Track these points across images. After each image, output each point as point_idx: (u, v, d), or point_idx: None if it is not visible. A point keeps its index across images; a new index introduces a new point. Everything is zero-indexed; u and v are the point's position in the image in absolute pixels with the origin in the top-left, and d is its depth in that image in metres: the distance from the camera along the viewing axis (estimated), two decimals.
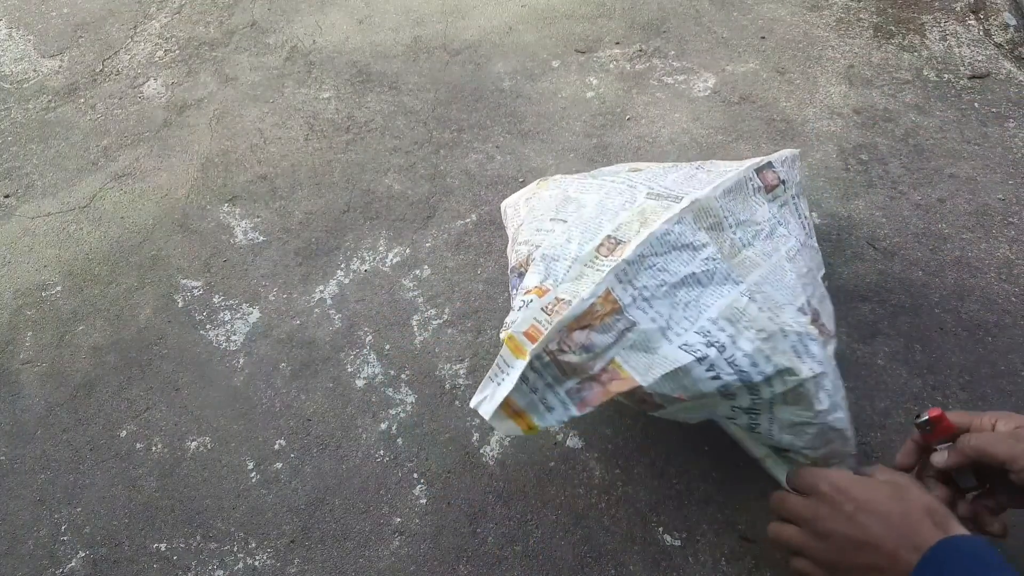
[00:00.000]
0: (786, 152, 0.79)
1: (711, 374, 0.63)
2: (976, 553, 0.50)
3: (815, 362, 0.64)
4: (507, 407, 0.65)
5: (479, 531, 0.76)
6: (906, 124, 1.07)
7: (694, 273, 0.66)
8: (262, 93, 1.23)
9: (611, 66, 1.20)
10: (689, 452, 0.79)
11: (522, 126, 1.13)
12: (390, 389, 0.87)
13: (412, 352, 0.90)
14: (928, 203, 0.98)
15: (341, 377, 0.89)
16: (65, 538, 0.80)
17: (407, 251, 1.00)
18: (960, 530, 0.52)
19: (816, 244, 0.77)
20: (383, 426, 0.84)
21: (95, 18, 1.40)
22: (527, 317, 0.64)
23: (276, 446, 0.84)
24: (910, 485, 0.57)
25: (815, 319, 0.67)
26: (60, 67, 1.32)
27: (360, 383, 0.88)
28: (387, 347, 0.90)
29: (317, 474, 0.81)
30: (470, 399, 0.85)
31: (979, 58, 1.14)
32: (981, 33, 1.18)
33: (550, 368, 0.64)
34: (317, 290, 0.97)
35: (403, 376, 0.88)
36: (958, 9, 1.22)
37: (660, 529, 0.75)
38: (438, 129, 1.14)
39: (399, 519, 0.78)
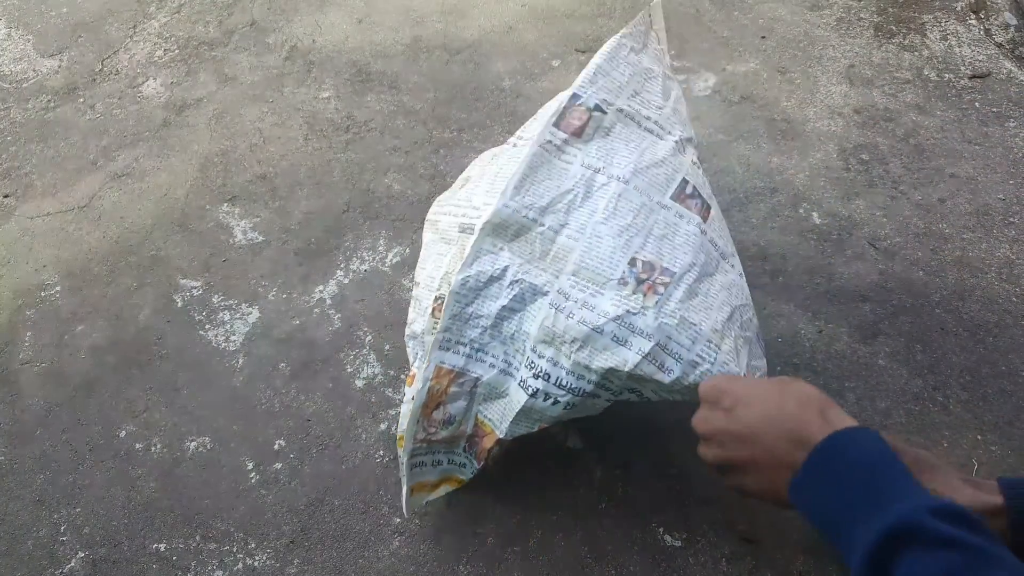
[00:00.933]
0: (596, 59, 0.72)
1: (549, 401, 0.65)
2: (868, 447, 0.47)
3: (642, 338, 0.63)
4: (423, 488, 0.72)
5: (479, 531, 0.76)
6: (907, 124, 1.07)
7: (504, 305, 0.66)
8: (261, 93, 1.23)
9: None
10: (689, 453, 0.79)
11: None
12: (390, 389, 0.87)
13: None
14: (929, 203, 0.98)
15: (341, 377, 0.88)
16: (64, 538, 0.80)
17: (407, 251, 0.99)
18: (849, 421, 0.50)
19: (672, 140, 0.72)
20: (383, 426, 0.84)
21: (94, 18, 1.40)
22: (405, 413, 0.68)
23: (276, 446, 0.84)
24: (795, 380, 0.54)
25: (644, 278, 0.64)
26: (59, 67, 1.32)
27: (360, 383, 0.88)
28: (387, 347, 0.90)
29: (317, 474, 0.81)
30: None
31: (980, 58, 1.14)
32: (982, 33, 1.18)
33: (435, 446, 0.69)
34: (317, 290, 0.97)
35: (403, 376, 0.88)
36: (959, 9, 1.22)
37: (660, 530, 0.75)
38: (438, 129, 1.14)
39: (399, 519, 0.77)
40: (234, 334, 0.94)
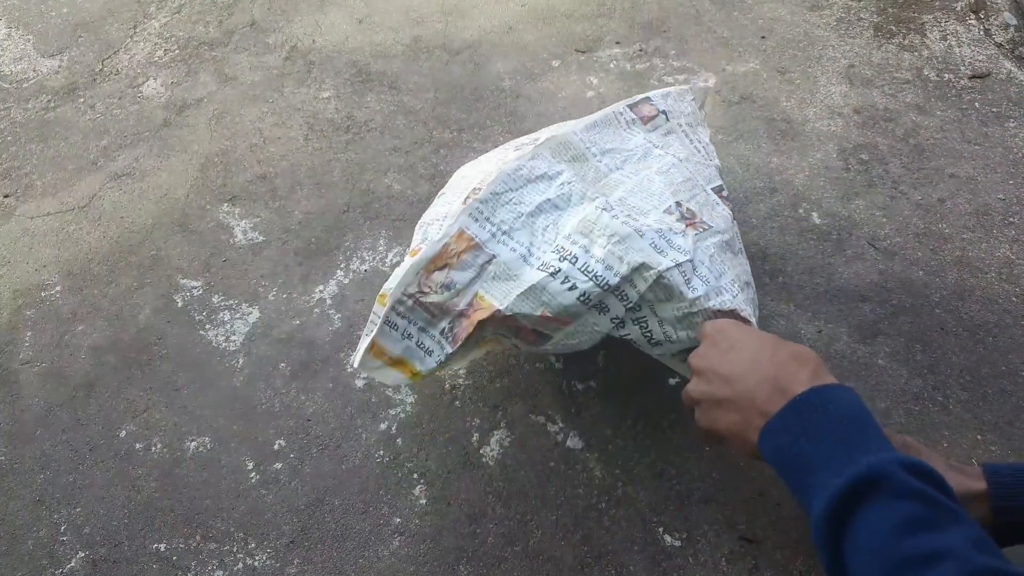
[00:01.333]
0: (671, 88, 0.84)
1: (567, 285, 0.65)
2: (847, 404, 0.48)
3: (678, 252, 0.66)
4: (381, 354, 0.67)
5: (479, 531, 0.76)
6: (906, 124, 1.07)
7: (549, 199, 0.69)
8: (262, 93, 1.23)
9: (611, 66, 1.20)
10: (689, 452, 0.79)
11: (522, 126, 1.13)
12: (390, 389, 0.87)
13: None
14: (929, 203, 0.98)
15: (341, 377, 0.88)
16: (64, 538, 0.80)
17: (407, 251, 0.99)
18: (827, 378, 0.50)
19: (714, 163, 0.80)
20: (383, 426, 0.84)
21: (95, 18, 1.40)
22: (400, 271, 0.66)
23: (276, 446, 0.84)
24: (799, 345, 0.55)
25: (687, 217, 0.69)
26: (59, 67, 1.32)
27: (360, 383, 0.88)
28: None
29: (317, 474, 0.81)
30: (471, 399, 0.85)
31: (979, 58, 1.14)
32: (981, 33, 1.18)
33: (417, 312, 0.66)
34: (317, 290, 0.97)
35: None
36: (958, 9, 1.22)
37: (660, 529, 0.75)
38: (438, 129, 1.14)
39: (399, 519, 0.77)
40: (234, 334, 0.94)
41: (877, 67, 1.15)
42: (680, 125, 0.80)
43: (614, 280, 0.64)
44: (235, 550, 0.77)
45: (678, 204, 0.70)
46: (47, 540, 0.80)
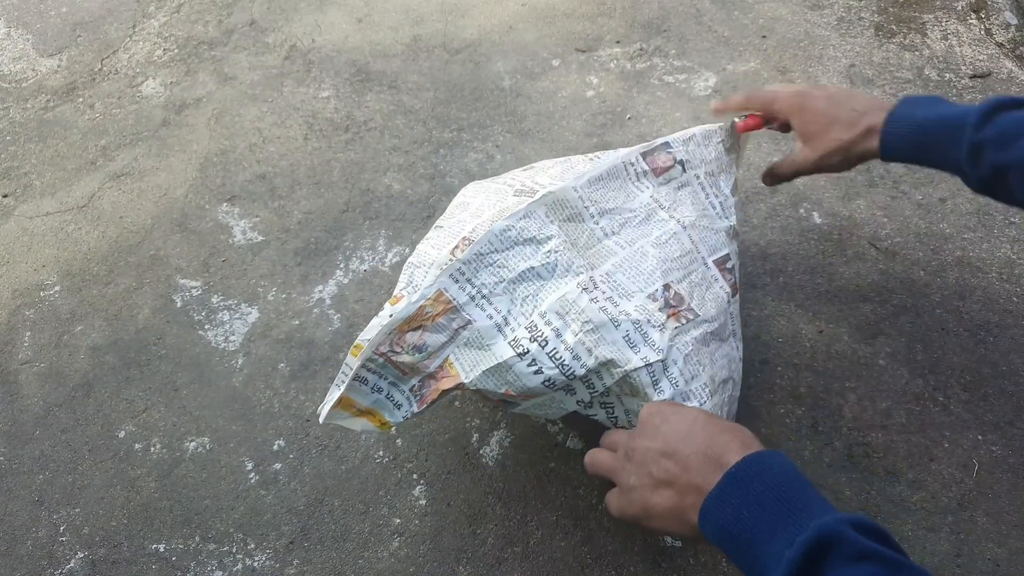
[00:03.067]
0: (695, 129, 0.77)
1: (533, 368, 0.64)
2: (779, 467, 0.47)
3: (651, 350, 0.63)
4: (350, 406, 0.67)
5: (479, 532, 0.76)
6: None
7: (534, 268, 0.66)
8: (261, 92, 1.23)
9: (612, 65, 1.20)
10: None
11: (522, 125, 1.13)
12: None
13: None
14: (930, 203, 0.97)
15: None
16: (64, 539, 0.80)
17: (407, 251, 0.99)
18: (755, 445, 0.50)
19: (728, 224, 0.75)
20: None
21: (94, 17, 1.40)
22: (374, 324, 0.65)
23: (275, 447, 0.84)
24: (731, 422, 0.55)
25: (672, 305, 0.66)
26: (59, 66, 1.32)
27: None
28: None
29: (316, 475, 0.81)
30: (471, 399, 0.85)
31: (980, 57, 1.14)
32: (982, 32, 1.18)
33: (388, 369, 0.66)
34: (316, 290, 0.97)
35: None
36: (959, 8, 1.22)
37: None
38: (438, 128, 1.14)
39: (399, 520, 0.77)
40: (233, 334, 0.94)
41: (878, 66, 1.14)
42: (698, 176, 0.75)
43: (580, 371, 0.63)
44: (234, 551, 0.77)
45: (666, 287, 0.67)
46: (46, 540, 0.80)
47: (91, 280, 1.01)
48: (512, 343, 0.64)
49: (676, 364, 0.64)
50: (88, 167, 1.15)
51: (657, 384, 0.63)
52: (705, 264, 0.71)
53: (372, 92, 1.21)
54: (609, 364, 0.63)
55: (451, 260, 0.65)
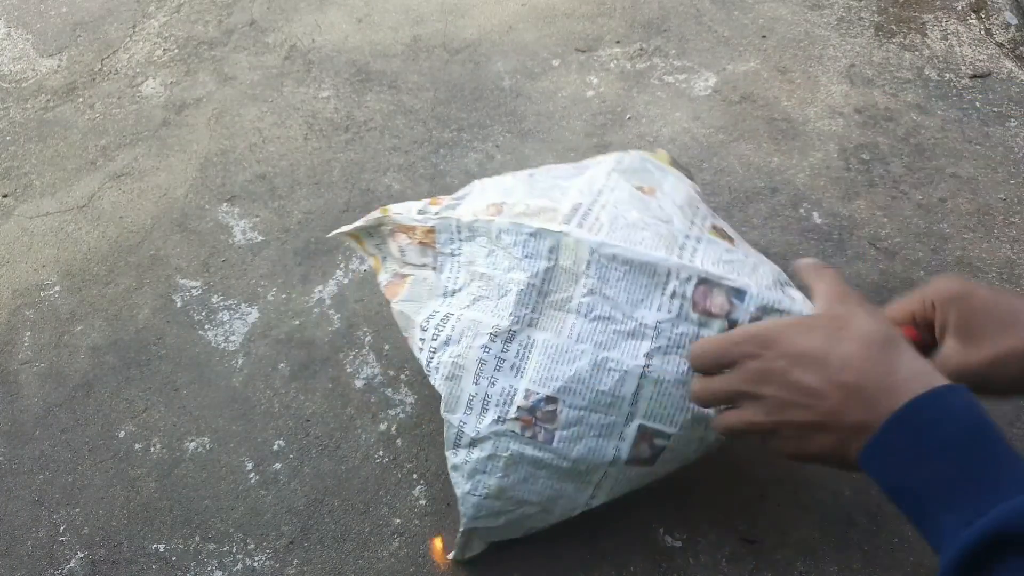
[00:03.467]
0: (793, 301, 0.61)
1: (417, 344, 0.70)
2: (960, 411, 0.38)
3: (471, 428, 0.65)
4: (360, 244, 0.77)
5: None
6: (907, 123, 1.06)
7: (493, 278, 0.66)
8: (261, 92, 1.23)
9: (612, 65, 1.20)
10: None
11: (522, 125, 1.13)
12: (389, 389, 0.87)
13: (412, 352, 0.89)
14: (929, 203, 0.97)
15: (340, 377, 0.88)
16: (64, 539, 0.79)
17: None
18: (927, 372, 0.41)
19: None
20: (382, 427, 0.84)
21: (94, 17, 1.40)
22: (404, 206, 0.73)
23: (275, 447, 0.84)
24: (853, 314, 0.45)
25: (538, 419, 0.62)
26: (59, 66, 1.32)
27: (359, 383, 0.88)
28: (386, 347, 0.90)
29: (316, 475, 0.81)
30: None
31: (980, 57, 1.14)
32: (982, 32, 1.18)
33: (386, 243, 0.75)
34: (316, 290, 0.97)
35: (402, 376, 0.88)
36: (959, 8, 1.22)
37: (661, 530, 0.74)
38: (438, 128, 1.14)
39: (399, 520, 0.77)
40: (233, 334, 0.94)
41: (878, 66, 1.15)
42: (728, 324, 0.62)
43: (431, 378, 0.68)
44: (234, 551, 0.77)
45: (549, 400, 0.62)
46: (46, 540, 0.80)
47: (91, 280, 1.01)
48: (430, 316, 0.68)
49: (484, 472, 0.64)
50: (88, 167, 1.15)
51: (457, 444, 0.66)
52: (625, 423, 0.61)
53: (372, 92, 1.20)
54: (446, 400, 0.65)
55: (468, 215, 0.68)
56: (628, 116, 1.12)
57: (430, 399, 0.85)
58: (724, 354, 0.48)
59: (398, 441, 0.83)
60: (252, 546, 0.77)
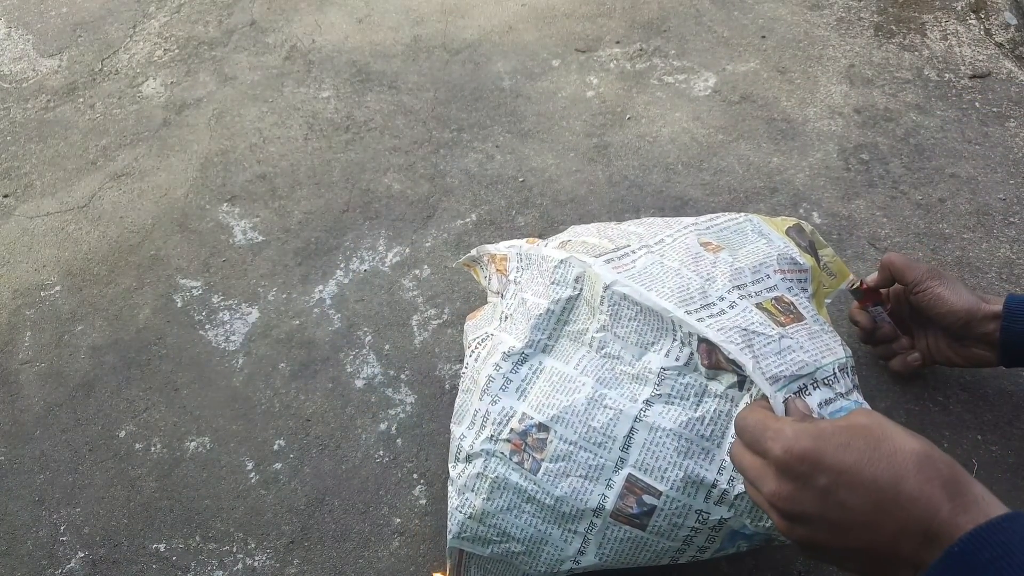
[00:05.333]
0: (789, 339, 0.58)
1: (473, 363, 0.72)
2: (1015, 546, 0.34)
3: (469, 441, 0.66)
4: (474, 270, 0.80)
5: None
6: (907, 124, 1.07)
7: (526, 300, 0.69)
8: (261, 92, 1.23)
9: (611, 65, 1.20)
10: None
11: (522, 125, 1.13)
12: (390, 389, 0.87)
13: (412, 352, 0.90)
14: (929, 203, 0.98)
15: (340, 377, 0.88)
16: (64, 538, 0.80)
17: (407, 251, 0.99)
18: (985, 499, 0.37)
19: (703, 475, 0.57)
20: (383, 426, 0.84)
21: (94, 17, 1.40)
22: (501, 245, 0.76)
23: (275, 446, 0.84)
24: (889, 430, 0.41)
25: (529, 445, 0.62)
26: (59, 66, 1.32)
27: (360, 383, 0.88)
28: (387, 347, 0.90)
29: (316, 474, 0.81)
30: None
31: (980, 57, 1.14)
32: (982, 32, 1.18)
33: (484, 267, 0.77)
34: (316, 290, 0.97)
35: (403, 376, 0.88)
36: (959, 8, 1.22)
37: None
38: (438, 128, 1.14)
39: (399, 520, 0.77)
40: (234, 334, 0.94)
41: (877, 67, 1.15)
42: (733, 402, 0.58)
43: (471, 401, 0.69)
44: (235, 550, 0.77)
45: (541, 427, 0.61)
46: (46, 540, 0.80)
47: (91, 280, 1.01)
48: (483, 337, 0.70)
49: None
50: (88, 167, 1.15)
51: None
52: (614, 469, 0.59)
53: (372, 92, 1.21)
54: (456, 412, 0.68)
55: (537, 246, 0.71)
56: (628, 116, 1.12)
57: (430, 399, 0.85)
58: (760, 445, 0.45)
59: (398, 441, 0.83)
60: (252, 546, 0.77)
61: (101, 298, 0.99)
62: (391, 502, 0.79)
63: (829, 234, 0.95)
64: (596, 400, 0.59)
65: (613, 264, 0.62)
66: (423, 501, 0.78)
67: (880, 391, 0.82)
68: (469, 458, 0.64)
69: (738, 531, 0.58)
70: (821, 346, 0.61)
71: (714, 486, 0.56)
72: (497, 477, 0.62)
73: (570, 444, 0.60)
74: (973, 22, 1.20)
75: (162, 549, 0.78)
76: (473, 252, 0.78)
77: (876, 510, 0.38)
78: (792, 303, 0.64)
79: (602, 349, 0.61)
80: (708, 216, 0.72)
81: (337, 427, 0.84)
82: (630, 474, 0.58)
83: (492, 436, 0.63)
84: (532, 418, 0.61)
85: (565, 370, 0.62)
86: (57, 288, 1.01)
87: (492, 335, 0.69)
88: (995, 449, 0.77)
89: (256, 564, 0.76)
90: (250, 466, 0.83)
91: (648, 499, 0.58)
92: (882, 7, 1.24)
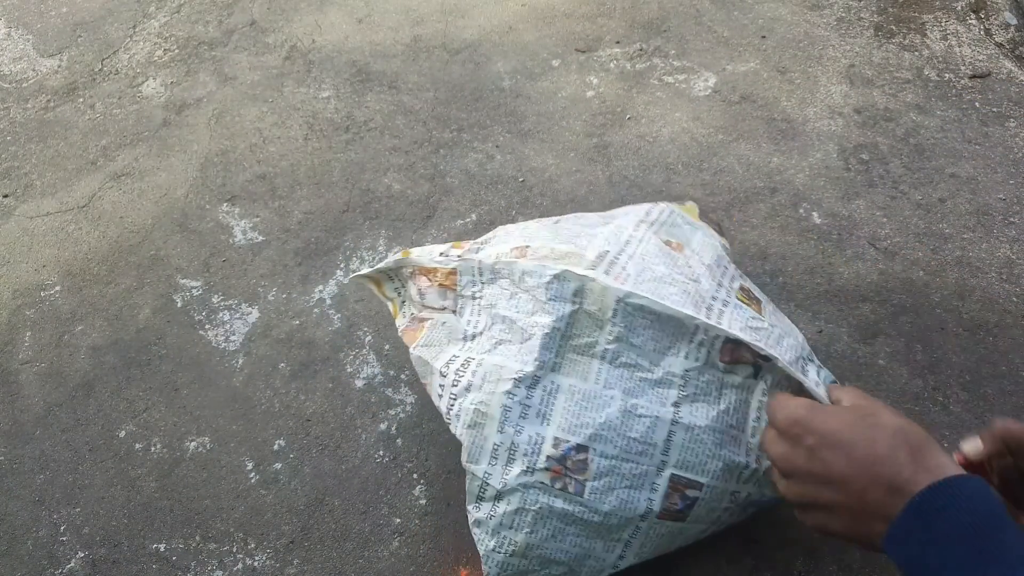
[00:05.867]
0: (792, 344, 0.63)
1: (437, 388, 0.68)
2: (972, 498, 0.41)
3: (497, 470, 0.63)
4: (377, 286, 0.75)
5: None
6: (907, 124, 1.07)
7: (515, 321, 0.64)
8: (261, 92, 1.23)
9: (611, 65, 1.20)
10: None
11: (522, 125, 1.13)
12: (389, 389, 0.87)
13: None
14: (929, 203, 0.98)
15: (340, 377, 0.88)
16: (64, 538, 0.80)
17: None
18: (947, 465, 0.44)
19: (739, 460, 0.61)
20: (383, 426, 0.84)
21: (94, 17, 1.40)
22: (424, 250, 0.72)
23: (275, 446, 0.84)
24: (879, 409, 0.49)
25: (569, 468, 0.61)
26: (59, 67, 1.32)
27: (359, 383, 0.88)
28: (387, 347, 0.90)
29: (316, 474, 0.81)
30: None
31: (980, 57, 1.14)
32: (982, 32, 1.18)
33: (405, 287, 0.73)
34: (316, 290, 0.97)
35: (403, 376, 0.88)
36: (959, 8, 1.22)
37: None
38: (438, 128, 1.14)
39: (399, 520, 0.77)
40: (234, 334, 0.94)
41: (877, 67, 1.15)
42: (764, 391, 0.62)
43: (449, 422, 0.67)
44: (235, 550, 0.77)
45: (579, 448, 0.61)
46: (47, 540, 0.80)
47: (91, 280, 1.01)
48: (449, 360, 0.66)
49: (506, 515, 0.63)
50: (88, 167, 1.15)
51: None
52: (657, 472, 0.60)
53: (372, 92, 1.21)
54: (469, 450, 0.63)
55: (490, 258, 0.67)
56: (628, 116, 1.12)
57: (430, 399, 0.85)
58: (771, 419, 0.52)
59: (398, 441, 0.83)
60: (252, 545, 0.77)
61: (101, 298, 0.99)
62: (391, 502, 0.79)
63: (829, 234, 0.95)
64: (629, 411, 0.60)
65: (612, 275, 0.62)
66: (423, 501, 0.78)
67: (879, 391, 0.82)
68: (500, 496, 0.62)
69: (755, 500, 0.63)
70: (788, 323, 0.67)
71: (745, 467, 0.60)
72: (540, 508, 0.60)
73: (611, 459, 0.60)
74: (973, 22, 1.20)
75: (162, 549, 0.78)
76: (389, 262, 0.72)
77: (851, 467, 0.46)
78: (749, 289, 0.68)
79: (616, 360, 0.61)
80: (631, 208, 0.74)
81: (337, 427, 0.84)
82: (673, 474, 0.60)
83: (527, 468, 0.60)
84: (568, 441, 0.60)
85: (586, 387, 0.61)
86: (57, 288, 1.01)
87: (472, 359, 0.65)
88: None
89: (256, 564, 0.76)
90: (250, 466, 0.83)
91: (691, 492, 0.60)
92: (882, 7, 1.24)
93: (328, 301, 0.95)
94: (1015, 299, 0.88)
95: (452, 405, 0.64)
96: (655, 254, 0.66)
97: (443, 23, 1.31)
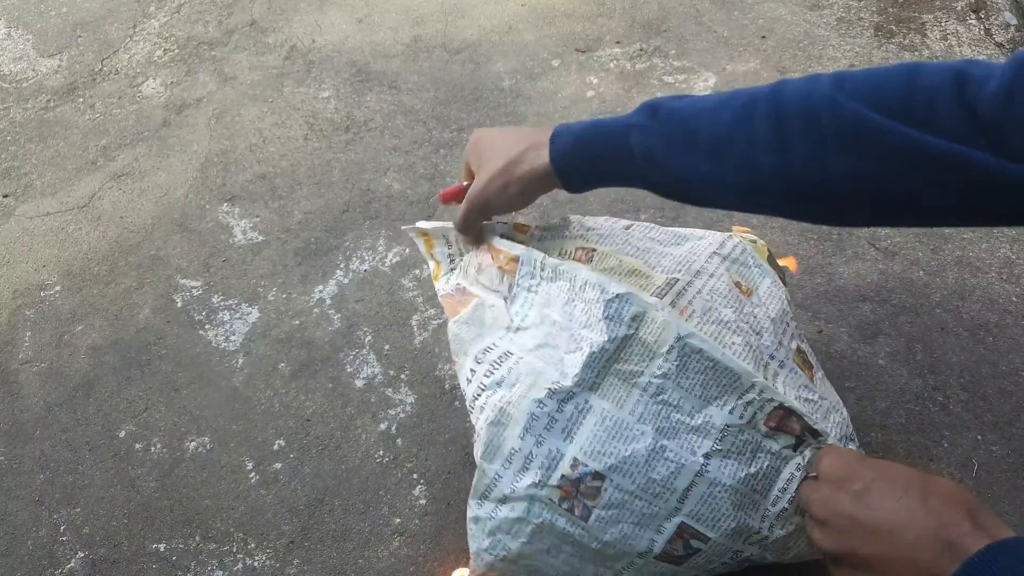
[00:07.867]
0: (839, 421, 0.62)
1: (465, 376, 0.66)
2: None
3: (510, 485, 0.60)
4: (429, 246, 0.72)
5: None
6: None
7: (564, 326, 0.61)
8: (261, 92, 1.23)
9: (611, 65, 1.20)
10: None
11: (521, 126, 1.13)
12: (389, 389, 0.87)
13: (412, 352, 0.90)
14: None
15: (340, 377, 0.88)
16: (64, 538, 0.80)
17: (407, 251, 0.99)
18: (1005, 527, 0.41)
19: (757, 528, 0.60)
20: (383, 426, 0.84)
21: (94, 17, 1.40)
22: (491, 225, 0.70)
23: (275, 446, 0.84)
24: (935, 476, 0.46)
25: (580, 492, 0.59)
26: (59, 66, 1.32)
27: (359, 383, 0.88)
28: (387, 347, 0.90)
29: (316, 474, 0.81)
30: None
31: (980, 57, 1.14)
32: (982, 32, 1.18)
33: (462, 255, 0.70)
34: (316, 290, 0.97)
35: (403, 376, 0.88)
36: (959, 8, 1.22)
37: None
38: (438, 128, 1.14)
39: (399, 520, 0.77)
40: (234, 334, 0.94)
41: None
42: (799, 465, 0.60)
43: (470, 415, 0.64)
44: (235, 550, 0.77)
45: (596, 475, 0.59)
46: (46, 540, 0.80)
47: (91, 280, 1.01)
48: (488, 348, 0.64)
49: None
50: (88, 167, 1.15)
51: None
52: (667, 517, 0.58)
53: (372, 92, 1.21)
54: (486, 446, 0.61)
55: (555, 255, 0.65)
56: None
57: (430, 399, 0.85)
58: (818, 468, 0.50)
59: (398, 441, 0.83)
60: (252, 546, 0.77)
61: (101, 298, 0.99)
62: (391, 502, 0.79)
63: (829, 234, 0.95)
64: (657, 452, 0.58)
65: (678, 308, 0.60)
66: (423, 501, 0.78)
67: (879, 391, 0.82)
68: (505, 500, 0.61)
69: (755, 560, 0.62)
70: (835, 397, 0.66)
71: (756, 532, 0.59)
72: (542, 523, 0.59)
73: (626, 493, 0.58)
74: (973, 22, 1.20)
75: (162, 549, 0.78)
76: (449, 223, 0.69)
77: (901, 517, 0.42)
78: (805, 352, 0.67)
79: (658, 395, 0.59)
80: (705, 233, 0.71)
81: (337, 427, 0.84)
82: (682, 522, 0.58)
83: (539, 482, 0.59)
84: (587, 465, 0.58)
85: (620, 415, 0.59)
86: (57, 288, 1.01)
87: (511, 353, 0.62)
88: (995, 449, 0.77)
89: (256, 564, 0.76)
90: (250, 466, 0.83)
91: (695, 543, 0.59)
92: (882, 7, 1.24)
93: (328, 301, 0.95)
94: (1015, 299, 0.88)
95: (479, 395, 0.62)
96: (724, 294, 0.64)
97: (443, 23, 1.31)
